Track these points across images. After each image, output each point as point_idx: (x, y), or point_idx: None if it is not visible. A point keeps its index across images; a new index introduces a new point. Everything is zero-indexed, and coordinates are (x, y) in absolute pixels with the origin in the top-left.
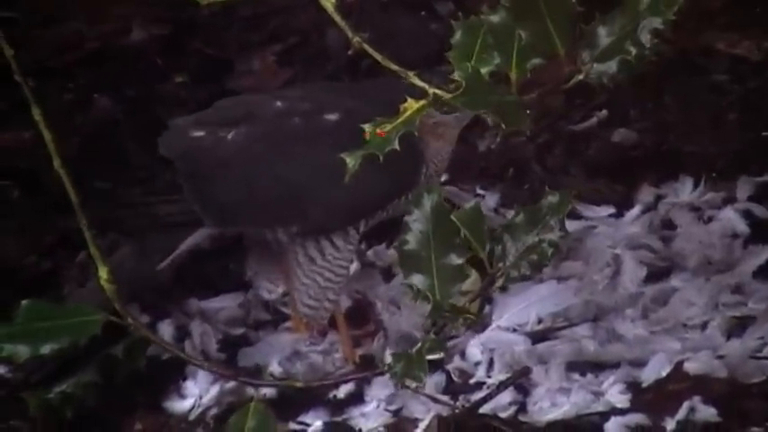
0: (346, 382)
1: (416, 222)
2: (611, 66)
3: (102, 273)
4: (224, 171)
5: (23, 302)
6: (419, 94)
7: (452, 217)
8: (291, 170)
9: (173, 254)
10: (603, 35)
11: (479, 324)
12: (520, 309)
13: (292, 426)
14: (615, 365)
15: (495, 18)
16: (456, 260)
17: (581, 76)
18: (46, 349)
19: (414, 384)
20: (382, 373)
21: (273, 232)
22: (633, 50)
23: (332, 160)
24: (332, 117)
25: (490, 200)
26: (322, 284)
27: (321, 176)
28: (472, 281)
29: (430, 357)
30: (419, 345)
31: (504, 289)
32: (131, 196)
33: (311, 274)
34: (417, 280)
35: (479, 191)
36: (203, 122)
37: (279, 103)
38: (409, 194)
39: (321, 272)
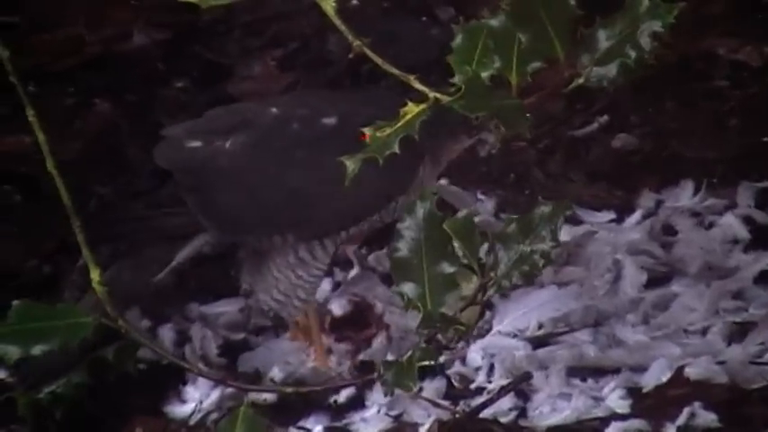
0: (338, 388)
1: (408, 230)
2: (611, 69)
3: (94, 275)
4: (225, 180)
5: (15, 303)
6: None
7: (444, 226)
8: (293, 176)
9: (170, 264)
10: (603, 39)
11: (472, 334)
12: (520, 314)
13: (293, 431)
14: (616, 371)
15: (495, 22)
16: (448, 269)
17: (581, 80)
18: (37, 350)
19: (405, 392)
20: (373, 381)
21: (273, 238)
22: (633, 54)
23: (332, 164)
24: (329, 121)
25: (490, 205)
26: (293, 281)
27: (322, 181)
28: (471, 285)
29: (422, 364)
30: (409, 353)
31: (504, 295)
32: (133, 210)
33: (285, 270)
34: (408, 288)
35: (480, 196)
36: (198, 132)
37: (275, 110)
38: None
39: (294, 269)
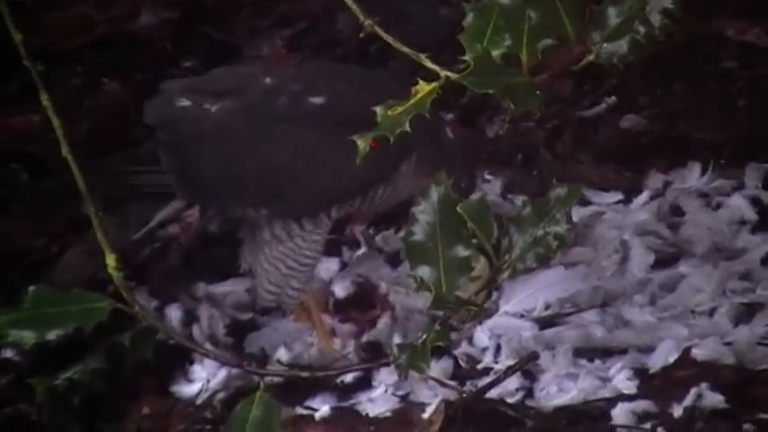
0: (350, 371)
1: (423, 214)
2: (622, 46)
3: (110, 260)
4: (202, 144)
5: (31, 288)
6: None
7: (458, 209)
8: (269, 150)
9: (147, 225)
10: (613, 15)
11: (483, 315)
12: (527, 294)
13: (300, 411)
14: (623, 351)
15: (505, 0)
16: (462, 252)
17: (591, 57)
18: (52, 335)
19: (419, 374)
20: (387, 364)
21: (246, 210)
22: (643, 30)
23: (312, 144)
24: (317, 101)
25: (497, 185)
26: (284, 271)
27: (298, 159)
28: (481, 267)
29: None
30: (424, 336)
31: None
32: (110, 164)
33: (274, 260)
34: (423, 271)
35: (487, 176)
36: (191, 91)
37: (268, 80)
38: (389, 187)
39: (284, 258)
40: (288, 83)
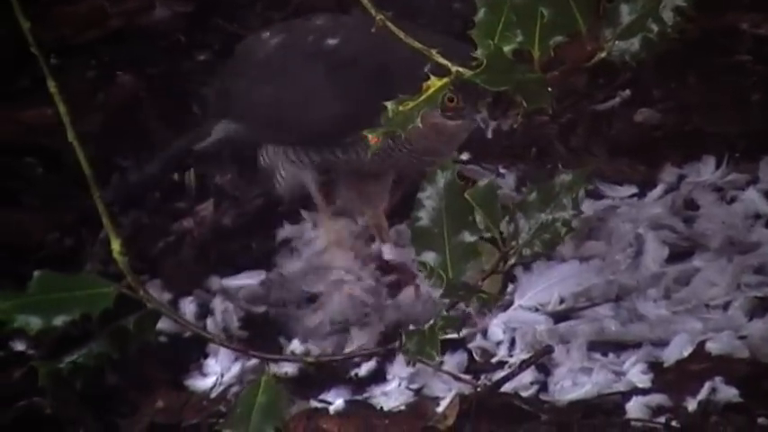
0: (360, 357)
1: (429, 199)
2: (634, 43)
3: (115, 245)
4: (254, 70)
5: (36, 273)
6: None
7: (465, 195)
8: (282, 80)
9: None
10: (626, 13)
11: (497, 303)
12: (542, 288)
13: (314, 404)
14: (637, 345)
15: None
16: (469, 238)
17: (603, 54)
18: (58, 321)
19: (429, 362)
20: (394, 350)
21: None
22: (656, 28)
23: (308, 79)
24: (332, 41)
25: (511, 179)
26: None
27: (296, 91)
28: (489, 257)
29: (445, 337)
30: (432, 322)
31: (526, 268)
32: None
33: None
34: (430, 257)
35: (501, 170)
36: (277, 29)
37: (318, 22)
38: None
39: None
40: (325, 26)
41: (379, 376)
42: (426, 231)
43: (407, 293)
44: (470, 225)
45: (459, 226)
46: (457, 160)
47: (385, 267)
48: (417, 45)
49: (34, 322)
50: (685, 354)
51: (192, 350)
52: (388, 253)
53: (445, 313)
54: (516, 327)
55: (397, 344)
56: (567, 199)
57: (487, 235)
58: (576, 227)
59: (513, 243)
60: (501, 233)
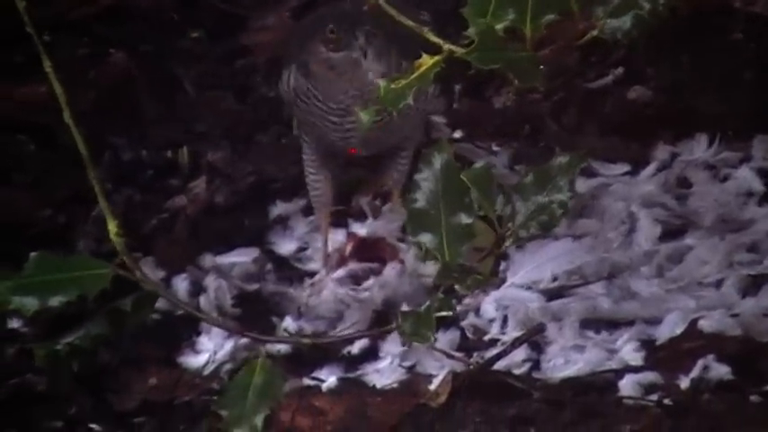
0: (357, 338)
1: (426, 181)
2: (625, 21)
3: (112, 226)
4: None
5: (32, 254)
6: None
7: (462, 176)
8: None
9: None
10: None
11: (490, 284)
12: (534, 266)
13: (306, 381)
14: (629, 323)
15: None
16: (465, 219)
17: (595, 32)
18: (54, 302)
19: (423, 342)
20: (390, 331)
21: None
22: (647, 5)
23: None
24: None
25: (505, 157)
26: None
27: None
28: (485, 236)
29: (438, 314)
30: (427, 303)
31: (519, 246)
32: None
33: None
34: (426, 239)
35: (495, 147)
36: None
37: None
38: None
39: None
40: None
41: (371, 354)
42: (423, 213)
43: (392, 269)
44: (467, 207)
45: (455, 207)
46: (450, 138)
47: (362, 248)
48: (410, 24)
49: (30, 303)
50: (678, 332)
51: (185, 328)
52: (362, 230)
53: (441, 295)
54: (509, 305)
55: (393, 325)
56: (564, 181)
57: (481, 213)
58: (571, 206)
59: (510, 225)
60: (498, 215)
